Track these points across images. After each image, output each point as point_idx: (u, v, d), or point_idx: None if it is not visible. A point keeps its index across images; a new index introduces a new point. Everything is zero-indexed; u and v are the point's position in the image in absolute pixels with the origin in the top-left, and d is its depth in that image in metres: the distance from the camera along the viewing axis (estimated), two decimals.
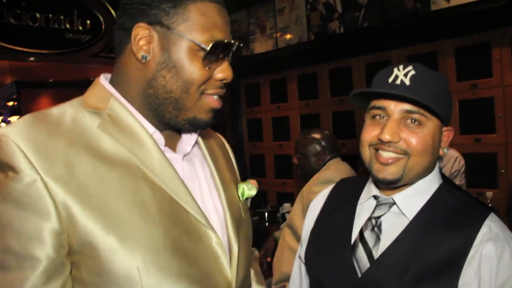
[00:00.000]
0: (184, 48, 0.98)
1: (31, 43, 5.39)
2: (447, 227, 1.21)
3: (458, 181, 3.78)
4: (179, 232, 0.95)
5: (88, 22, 5.74)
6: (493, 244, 1.14)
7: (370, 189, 1.38)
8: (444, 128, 1.31)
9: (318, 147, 3.17)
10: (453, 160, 3.85)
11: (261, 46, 6.21)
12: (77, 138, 0.92)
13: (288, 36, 5.81)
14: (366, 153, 1.29)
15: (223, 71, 1.03)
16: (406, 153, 1.22)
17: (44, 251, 0.84)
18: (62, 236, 0.86)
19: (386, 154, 1.23)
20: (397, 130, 1.22)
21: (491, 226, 1.18)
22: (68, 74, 9.20)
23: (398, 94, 1.20)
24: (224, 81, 1.04)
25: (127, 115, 1.00)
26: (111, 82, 1.07)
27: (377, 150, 1.25)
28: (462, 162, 3.85)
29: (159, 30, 0.99)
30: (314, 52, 5.56)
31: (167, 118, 1.02)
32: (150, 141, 1.00)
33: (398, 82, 1.22)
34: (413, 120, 1.23)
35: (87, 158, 0.90)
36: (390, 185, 1.27)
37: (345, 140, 4.94)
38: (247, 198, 1.25)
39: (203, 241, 0.99)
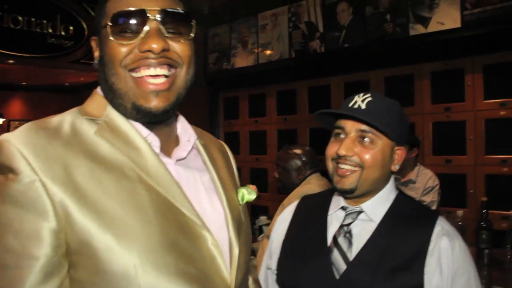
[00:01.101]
0: (103, 35, 1.02)
1: (11, 45, 5.35)
2: (408, 227, 1.45)
3: (430, 197, 3.94)
4: (175, 232, 0.95)
5: (71, 28, 5.73)
6: (447, 238, 1.40)
7: (339, 201, 1.56)
8: (396, 148, 1.51)
9: (299, 162, 3.27)
10: (427, 178, 4.03)
11: (242, 60, 6.32)
12: (75, 142, 0.95)
13: (269, 52, 5.94)
14: (330, 166, 1.51)
15: (143, 42, 0.98)
16: (360, 166, 1.44)
17: (43, 249, 0.85)
18: (59, 235, 0.87)
19: (343, 166, 1.45)
20: (352, 146, 1.44)
21: (442, 224, 1.44)
22: (42, 78, 9.08)
23: (350, 114, 1.44)
24: (150, 52, 0.98)
25: (122, 121, 1.02)
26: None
27: (337, 163, 1.46)
28: (437, 181, 4.02)
29: (97, 38, 1.07)
30: (294, 69, 5.69)
31: (122, 111, 1.03)
32: (144, 145, 1.01)
33: (356, 106, 1.45)
34: (366, 138, 1.45)
35: (84, 160, 0.92)
36: (348, 194, 1.48)
37: (322, 156, 5.03)
38: (246, 202, 1.25)
39: (199, 242, 0.99)
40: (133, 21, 0.98)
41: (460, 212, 3.33)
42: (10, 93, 10.46)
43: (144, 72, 0.99)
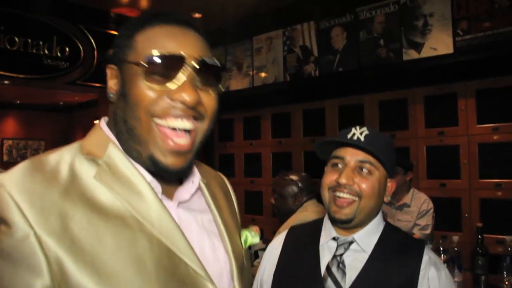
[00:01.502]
0: (131, 72, 0.95)
1: (7, 66, 5.35)
2: (398, 257, 1.51)
3: (425, 221, 3.95)
4: (176, 286, 0.91)
5: (67, 49, 5.75)
6: (434, 268, 1.47)
7: (330, 231, 1.59)
8: (388, 180, 1.58)
9: (295, 189, 3.27)
10: (422, 201, 4.04)
11: (237, 83, 6.36)
12: (73, 188, 0.89)
13: (264, 75, 5.99)
14: (326, 195, 1.55)
15: (177, 91, 0.93)
16: (358, 195, 1.49)
17: None
18: None
19: (342, 195, 1.49)
20: (351, 176, 1.49)
21: (429, 254, 1.51)
22: (36, 97, 9.11)
23: (357, 144, 1.49)
24: (180, 103, 0.93)
25: (124, 162, 0.96)
26: (109, 126, 1.04)
27: (334, 192, 1.51)
28: (431, 205, 4.03)
29: (118, 67, 1.00)
30: (289, 92, 5.73)
31: (136, 157, 0.97)
32: (148, 191, 0.95)
33: (355, 138, 1.51)
34: (364, 169, 1.51)
35: (82, 210, 0.87)
36: (344, 224, 1.52)
37: (317, 179, 5.05)
38: (249, 246, 1.22)
39: None
40: (169, 66, 0.93)
41: (455, 238, 3.34)
42: (4, 111, 10.47)
43: (169, 122, 0.94)
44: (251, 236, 1.21)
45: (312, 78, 5.41)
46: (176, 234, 0.94)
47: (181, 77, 0.93)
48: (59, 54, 5.66)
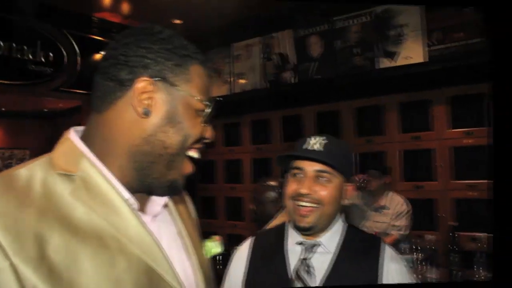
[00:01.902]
0: (188, 105, 0.96)
1: None
2: (361, 255, 1.59)
3: (401, 222, 4.12)
4: None
5: (51, 54, 5.67)
6: (395, 262, 1.58)
7: (295, 237, 1.66)
8: (345, 184, 1.65)
9: (274, 194, 3.36)
10: (398, 203, 4.20)
11: (216, 90, 6.43)
12: (48, 208, 0.84)
13: (243, 82, 6.08)
14: (290, 204, 1.62)
15: (209, 131, 1.03)
16: (319, 203, 1.56)
17: None
18: None
19: (304, 204, 1.56)
20: (311, 185, 1.57)
21: (389, 250, 1.61)
22: (20, 104, 8.90)
23: (313, 157, 1.56)
24: (206, 140, 1.04)
25: (99, 178, 0.92)
26: (84, 138, 0.98)
27: (296, 201, 1.58)
28: (408, 207, 4.20)
29: (163, 86, 0.95)
30: (268, 99, 5.84)
31: (151, 178, 0.97)
32: (125, 207, 0.93)
33: (311, 148, 1.58)
34: (322, 178, 1.58)
35: (59, 232, 0.82)
36: (308, 231, 1.59)
37: None
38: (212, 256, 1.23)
39: None
40: (208, 109, 1.00)
41: (431, 237, 3.49)
42: None
43: (190, 153, 1.01)
44: (213, 247, 1.21)
45: (290, 85, 5.53)
46: (155, 249, 0.93)
47: (204, 119, 1.01)
48: (43, 60, 5.58)
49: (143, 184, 0.97)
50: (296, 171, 1.61)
